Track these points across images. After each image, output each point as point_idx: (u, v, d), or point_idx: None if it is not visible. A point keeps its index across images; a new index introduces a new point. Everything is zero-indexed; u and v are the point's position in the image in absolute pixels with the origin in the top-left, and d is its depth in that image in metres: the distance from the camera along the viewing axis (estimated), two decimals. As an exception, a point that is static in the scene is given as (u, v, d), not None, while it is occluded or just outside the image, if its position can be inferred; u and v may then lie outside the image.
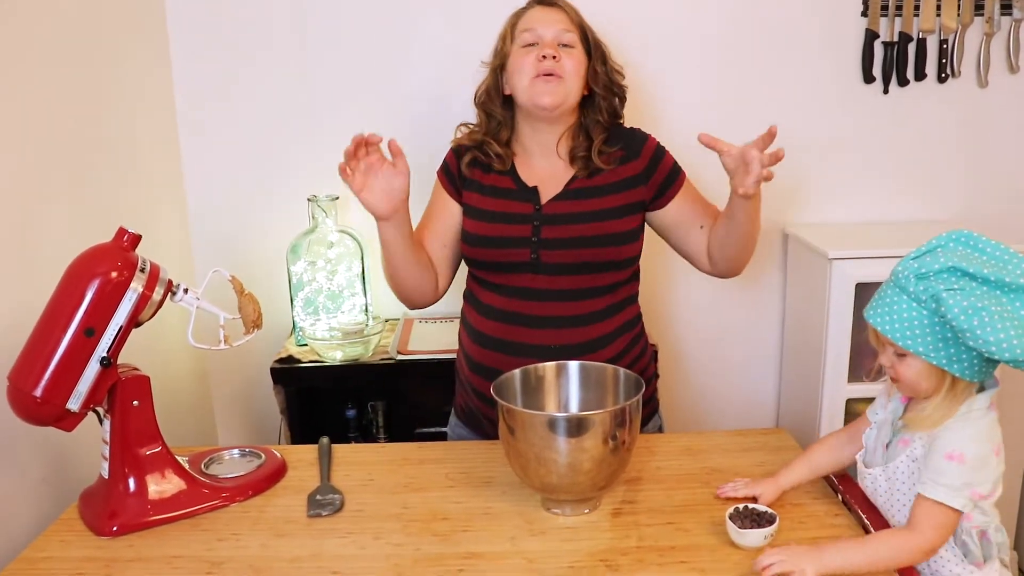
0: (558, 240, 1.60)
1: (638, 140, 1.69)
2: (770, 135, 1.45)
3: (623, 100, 1.71)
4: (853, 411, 2.28)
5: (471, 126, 1.73)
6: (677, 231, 1.70)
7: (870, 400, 2.24)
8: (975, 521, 1.23)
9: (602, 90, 1.66)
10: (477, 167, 1.69)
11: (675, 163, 1.71)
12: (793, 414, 2.46)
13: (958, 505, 1.19)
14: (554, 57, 1.57)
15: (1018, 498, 2.61)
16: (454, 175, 1.72)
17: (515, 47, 1.63)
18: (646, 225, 1.71)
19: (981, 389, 1.25)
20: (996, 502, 1.25)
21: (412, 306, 1.75)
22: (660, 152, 1.70)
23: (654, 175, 1.66)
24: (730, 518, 1.29)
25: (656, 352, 2.12)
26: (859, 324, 2.22)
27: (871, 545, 1.22)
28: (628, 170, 1.65)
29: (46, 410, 1.29)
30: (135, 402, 1.38)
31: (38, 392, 1.27)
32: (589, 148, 1.65)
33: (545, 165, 1.67)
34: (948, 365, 1.19)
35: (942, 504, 1.19)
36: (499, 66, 1.66)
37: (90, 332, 1.30)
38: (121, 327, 1.33)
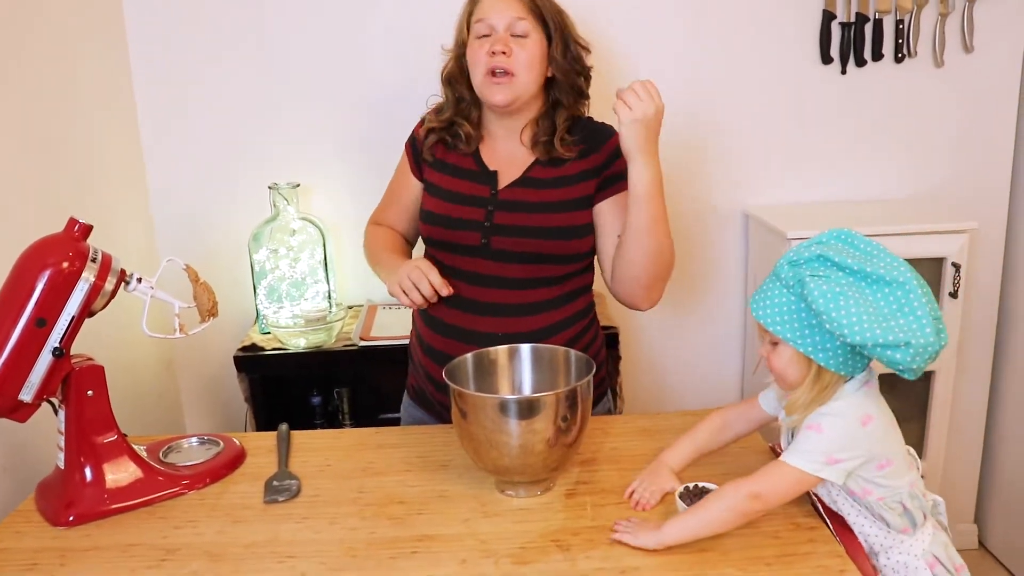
0: (509, 227, 1.60)
1: (603, 135, 1.65)
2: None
3: (588, 79, 1.68)
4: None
5: (440, 104, 1.72)
6: (599, 231, 1.65)
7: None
8: (879, 494, 1.25)
9: (563, 75, 1.63)
10: (441, 144, 1.69)
11: None
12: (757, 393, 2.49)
13: (806, 467, 1.22)
14: (504, 52, 1.55)
15: (977, 473, 2.66)
16: (419, 151, 1.72)
17: (471, 37, 1.61)
18: None
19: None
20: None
21: None
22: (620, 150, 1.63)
23: (606, 170, 1.63)
24: (680, 497, 1.31)
25: (617, 334, 2.14)
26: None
27: (704, 505, 1.25)
28: (586, 163, 1.63)
29: (-1, 402, 1.29)
30: (89, 392, 1.38)
31: (-10, 384, 1.27)
32: (552, 133, 1.64)
33: (508, 149, 1.67)
34: (813, 353, 1.22)
35: (787, 463, 1.23)
36: (461, 53, 1.65)
37: (41, 323, 1.30)
38: (73, 317, 1.33)
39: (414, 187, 1.74)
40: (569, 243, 1.61)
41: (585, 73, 1.67)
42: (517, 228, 1.59)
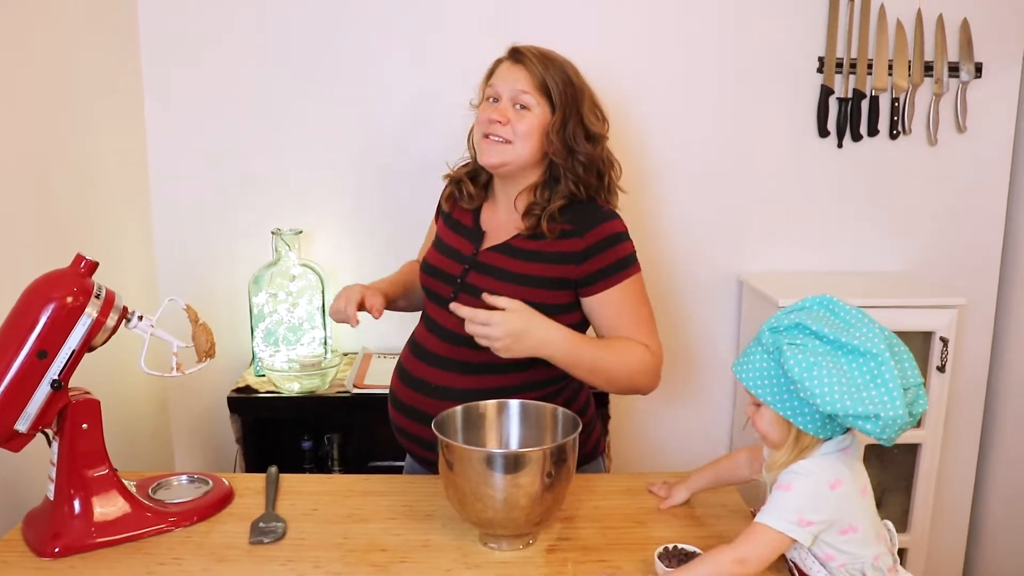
0: (478, 289, 1.58)
1: (593, 220, 1.60)
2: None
3: (588, 168, 1.62)
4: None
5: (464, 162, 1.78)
6: (592, 323, 1.66)
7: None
8: (840, 560, 1.27)
9: (555, 154, 1.61)
10: (452, 198, 1.76)
11: (621, 260, 1.60)
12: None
13: (779, 527, 1.24)
14: (500, 122, 1.58)
15: (964, 547, 2.66)
16: (440, 202, 1.81)
17: (482, 98, 1.68)
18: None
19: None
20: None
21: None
22: (609, 242, 1.59)
23: (589, 261, 1.58)
24: (659, 558, 1.33)
25: (607, 395, 2.16)
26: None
27: (690, 570, 1.26)
28: (566, 245, 1.59)
29: (-7, 430, 1.31)
30: (84, 425, 1.40)
31: (-14, 412, 1.30)
32: (544, 208, 1.62)
33: (504, 214, 1.70)
34: (792, 417, 1.27)
35: (761, 524, 1.25)
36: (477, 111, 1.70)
37: (43, 354, 1.33)
38: (74, 351, 1.36)
39: (432, 235, 1.83)
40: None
41: (585, 162, 1.61)
42: (485, 291, 1.55)
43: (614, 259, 1.59)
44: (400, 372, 1.74)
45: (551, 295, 1.59)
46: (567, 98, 1.61)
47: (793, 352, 1.21)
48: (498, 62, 1.68)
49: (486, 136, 1.62)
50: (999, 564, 2.55)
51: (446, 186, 1.79)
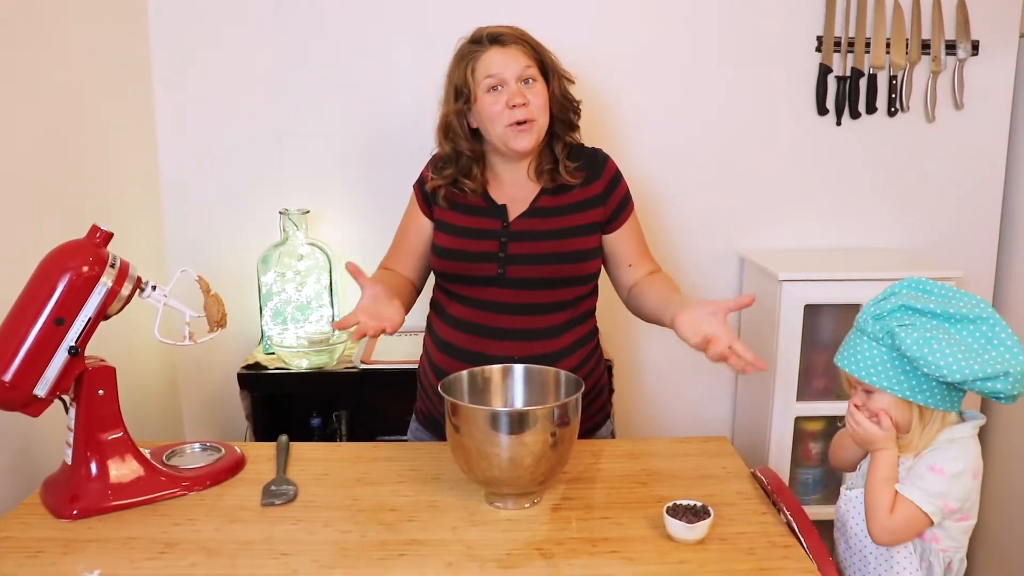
0: (524, 256, 1.69)
1: (599, 162, 1.76)
2: (739, 305, 1.54)
3: (577, 112, 1.77)
4: (802, 428, 2.37)
5: (440, 156, 1.77)
6: (609, 261, 1.79)
7: (818, 418, 2.36)
8: (943, 544, 1.34)
9: (558, 110, 1.72)
10: (449, 188, 1.76)
11: (627, 192, 1.78)
12: (746, 431, 2.54)
13: (928, 509, 1.31)
14: (524, 104, 1.64)
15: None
16: (427, 192, 1.78)
17: (480, 91, 1.67)
18: None
19: (961, 420, 1.38)
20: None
21: None
22: (617, 177, 1.77)
23: (610, 199, 1.75)
24: (667, 512, 1.35)
25: (611, 367, 2.20)
26: (808, 345, 2.31)
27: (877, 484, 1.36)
28: (589, 191, 1.73)
29: (14, 395, 1.35)
30: (100, 391, 1.44)
31: (7, 377, 1.34)
32: (554, 162, 1.73)
33: (514, 185, 1.75)
34: (912, 396, 1.33)
35: (913, 503, 1.32)
36: (462, 109, 1.70)
37: (60, 321, 1.37)
38: (90, 319, 1.40)
39: (424, 227, 1.80)
40: (582, 265, 1.71)
41: (574, 107, 1.77)
42: (532, 256, 1.69)
43: (624, 192, 1.77)
44: (453, 351, 1.73)
45: (586, 241, 1.72)
46: (551, 61, 1.72)
47: (908, 332, 1.27)
48: (475, 53, 1.68)
49: (516, 123, 1.64)
50: (998, 562, 2.56)
51: (432, 185, 1.75)
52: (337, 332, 2.32)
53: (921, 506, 1.32)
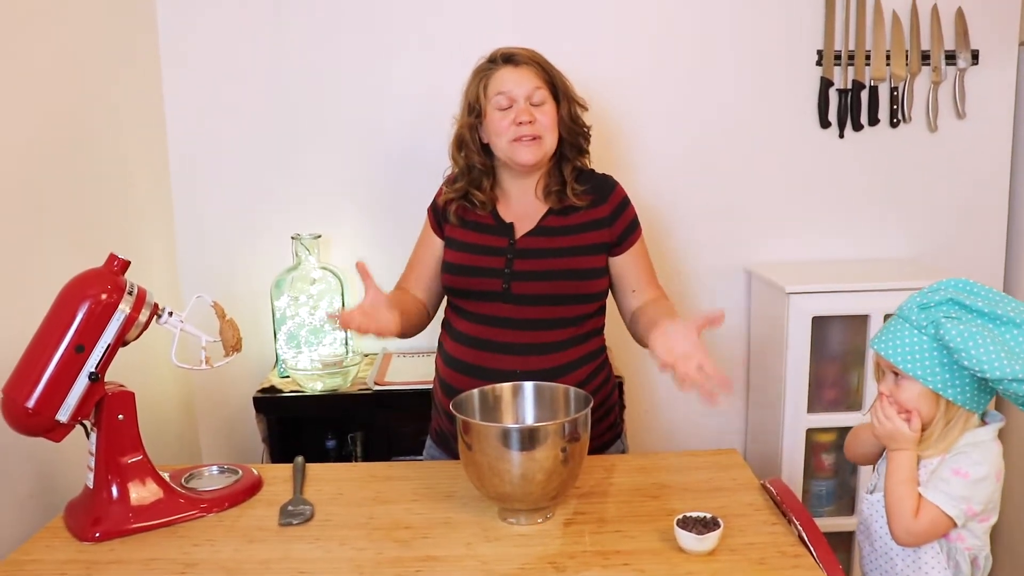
0: (529, 272, 1.72)
1: (608, 187, 1.81)
2: (710, 323, 1.50)
3: (587, 138, 1.82)
4: (813, 440, 2.38)
5: (454, 174, 1.83)
6: (613, 285, 1.82)
7: (829, 430, 2.37)
8: (968, 543, 1.37)
9: (567, 133, 1.77)
10: (460, 204, 1.81)
11: (635, 219, 1.82)
12: (759, 444, 2.55)
13: (952, 512, 1.34)
14: (530, 122, 1.69)
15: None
16: (439, 211, 1.85)
17: (490, 108, 1.73)
18: None
19: (982, 423, 1.40)
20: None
21: (408, 337, 1.84)
22: (625, 203, 1.81)
23: (616, 222, 1.78)
24: (678, 525, 1.37)
25: (622, 384, 2.22)
26: (817, 356, 2.33)
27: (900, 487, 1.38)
28: (595, 213, 1.77)
29: (37, 421, 1.39)
30: (120, 416, 1.48)
31: (31, 403, 1.37)
32: (562, 184, 1.77)
33: (522, 204, 1.80)
34: (943, 389, 1.35)
35: (938, 507, 1.34)
36: (474, 123, 1.76)
37: (80, 348, 1.40)
38: (109, 345, 1.43)
39: (436, 246, 1.85)
40: (586, 284, 1.74)
41: (584, 132, 1.81)
42: (537, 273, 1.72)
43: (631, 217, 1.81)
44: (460, 366, 1.77)
45: (590, 260, 1.76)
46: (563, 84, 1.78)
47: (954, 324, 1.30)
48: (490, 70, 1.75)
49: (518, 139, 1.70)
50: (1013, 564, 2.56)
51: (445, 201, 1.82)
52: (351, 354, 2.35)
53: (946, 510, 1.34)
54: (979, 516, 1.37)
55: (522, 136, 1.70)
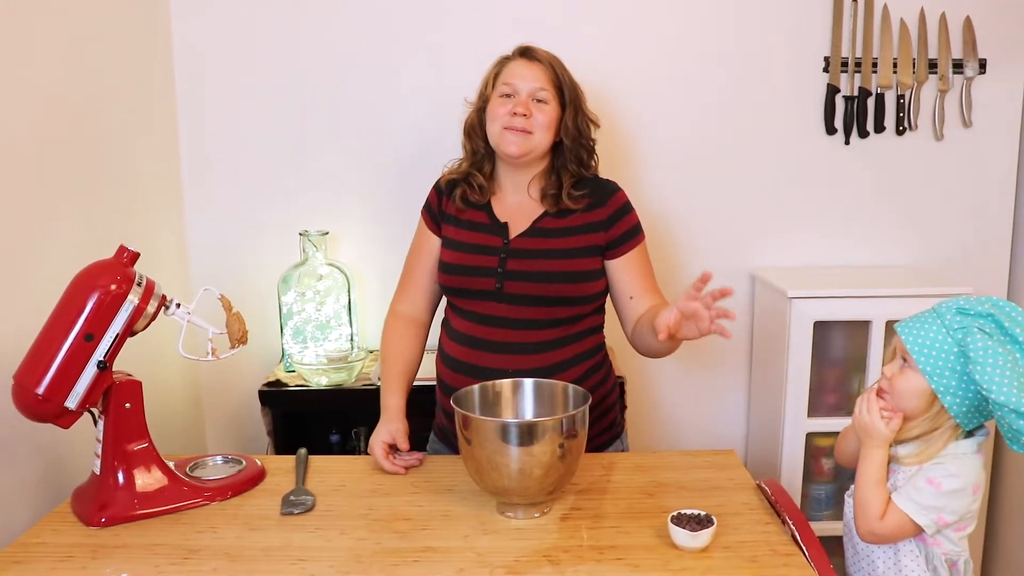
0: (521, 272, 1.74)
1: (607, 191, 1.82)
2: (702, 281, 1.52)
3: (590, 152, 1.84)
4: (813, 444, 2.39)
5: (459, 160, 1.89)
6: (613, 289, 1.82)
7: (829, 434, 2.38)
8: (945, 548, 1.39)
9: (569, 141, 1.79)
10: (456, 203, 1.83)
11: (637, 225, 1.82)
12: (759, 447, 2.57)
13: (922, 521, 1.36)
14: (524, 115, 1.72)
15: (983, 535, 2.69)
16: (435, 212, 1.87)
17: (495, 95, 1.78)
18: None
19: (968, 436, 1.42)
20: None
21: None
22: (626, 208, 1.81)
23: (613, 227, 1.78)
24: (672, 521, 1.39)
25: (623, 384, 2.24)
26: (818, 361, 2.34)
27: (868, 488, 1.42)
28: (592, 216, 1.78)
29: (46, 407, 1.42)
30: (127, 404, 1.51)
31: (40, 390, 1.40)
32: (559, 188, 1.79)
33: (517, 202, 1.82)
34: (943, 394, 1.37)
35: (906, 514, 1.37)
36: (482, 106, 1.82)
37: (89, 337, 1.43)
38: (118, 334, 1.46)
39: (434, 246, 1.87)
40: (579, 286, 1.75)
41: (588, 146, 1.83)
42: (529, 273, 1.74)
43: (632, 223, 1.81)
44: (455, 364, 1.79)
45: (584, 263, 1.76)
46: (574, 94, 1.80)
47: (983, 337, 1.31)
48: (506, 60, 1.82)
49: (507, 128, 1.73)
50: (1017, 566, 2.57)
51: (443, 193, 1.86)
52: (356, 350, 2.38)
53: (914, 518, 1.37)
54: (954, 526, 1.39)
55: (513, 126, 1.73)
